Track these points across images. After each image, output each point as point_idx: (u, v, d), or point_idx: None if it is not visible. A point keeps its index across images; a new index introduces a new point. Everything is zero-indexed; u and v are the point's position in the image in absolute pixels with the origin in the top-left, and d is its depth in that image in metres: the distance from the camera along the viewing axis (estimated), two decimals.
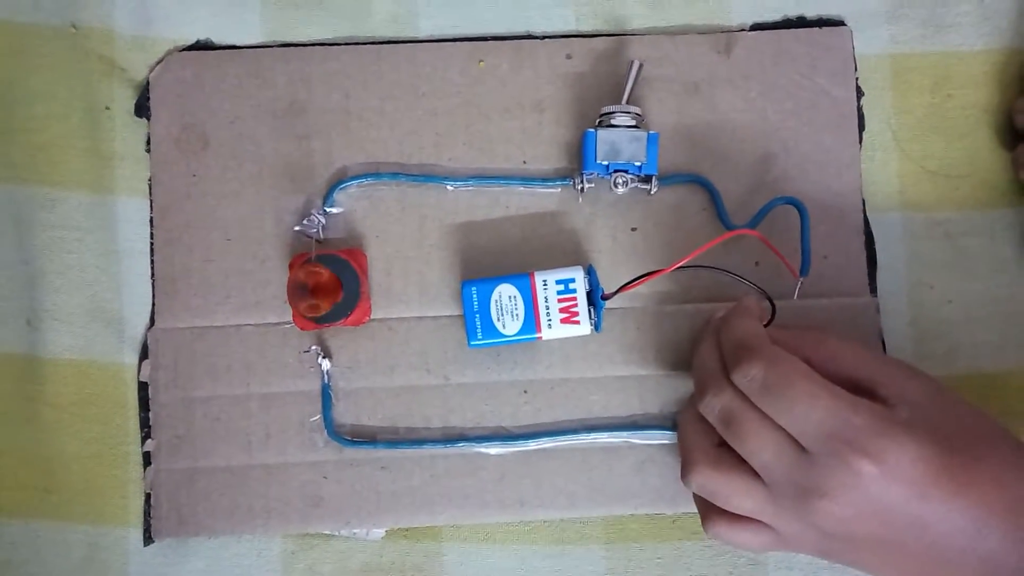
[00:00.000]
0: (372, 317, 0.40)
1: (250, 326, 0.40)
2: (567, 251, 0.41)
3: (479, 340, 0.38)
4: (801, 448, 0.31)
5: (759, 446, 0.32)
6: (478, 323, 0.38)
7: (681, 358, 0.42)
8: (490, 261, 0.40)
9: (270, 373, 0.40)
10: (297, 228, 0.41)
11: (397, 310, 0.41)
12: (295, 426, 0.40)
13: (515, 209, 0.41)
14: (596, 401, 0.41)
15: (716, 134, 0.42)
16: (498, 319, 0.38)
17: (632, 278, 0.38)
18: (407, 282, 0.41)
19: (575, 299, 0.39)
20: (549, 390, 0.41)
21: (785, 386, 0.31)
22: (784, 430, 0.32)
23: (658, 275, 0.37)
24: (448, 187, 0.41)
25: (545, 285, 0.39)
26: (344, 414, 0.40)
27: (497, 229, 0.41)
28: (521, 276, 0.38)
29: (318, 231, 0.41)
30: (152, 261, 0.41)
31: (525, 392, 0.40)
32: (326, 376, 0.41)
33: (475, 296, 0.38)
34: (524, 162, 0.42)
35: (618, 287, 0.39)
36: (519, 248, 0.41)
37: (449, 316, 0.40)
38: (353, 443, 0.40)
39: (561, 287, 0.39)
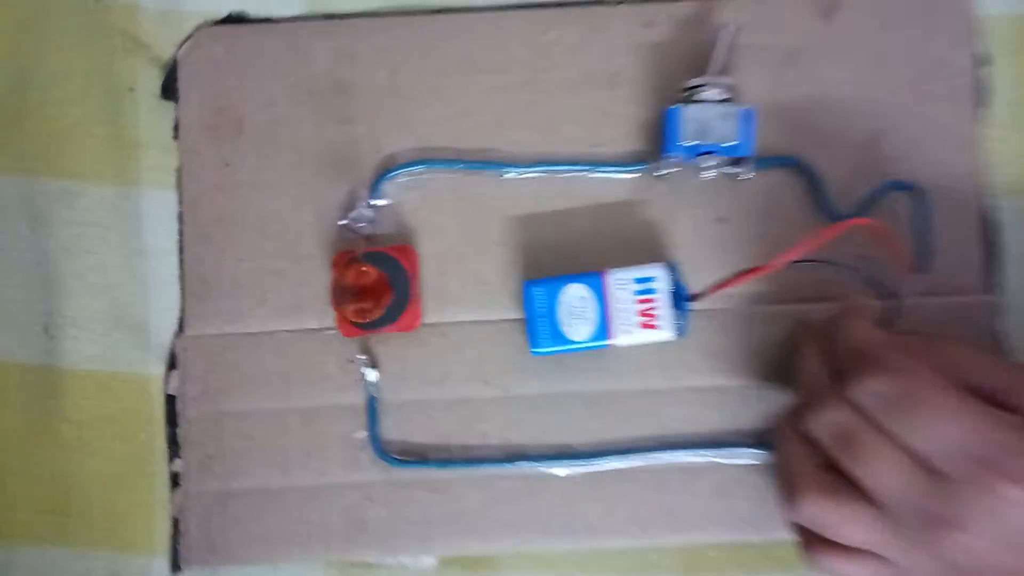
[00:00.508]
0: (424, 322, 0.37)
1: (287, 332, 0.37)
2: (643, 246, 0.37)
3: (543, 347, 0.34)
4: (931, 471, 0.27)
5: (881, 469, 0.28)
6: (543, 328, 0.34)
7: (773, 367, 0.37)
8: (555, 258, 0.37)
9: (310, 385, 0.37)
10: (342, 222, 0.37)
11: (451, 313, 0.37)
12: (338, 443, 0.37)
13: (584, 199, 0.37)
14: (674, 415, 0.37)
15: (816, 110, 0.37)
16: (566, 323, 0.34)
17: (729, 275, 0.34)
18: (463, 282, 0.37)
19: (655, 300, 0.34)
20: (621, 403, 0.37)
21: (916, 401, 0.27)
22: (910, 450, 0.27)
23: (761, 272, 0.33)
24: (508, 175, 0.37)
25: (621, 285, 0.34)
26: (392, 430, 0.37)
27: (564, 221, 0.37)
28: (592, 275, 0.34)
29: (366, 225, 0.37)
30: (180, 261, 0.38)
31: (594, 405, 0.37)
32: (372, 388, 0.37)
33: (540, 298, 0.34)
34: (595, 145, 0.38)
35: (710, 286, 0.34)
36: (589, 243, 0.37)
37: (509, 320, 0.37)
38: (402, 462, 0.37)
39: (639, 287, 0.34)
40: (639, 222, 0.38)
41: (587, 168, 0.37)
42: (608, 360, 0.37)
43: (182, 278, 0.38)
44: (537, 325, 0.34)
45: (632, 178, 0.38)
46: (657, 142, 0.38)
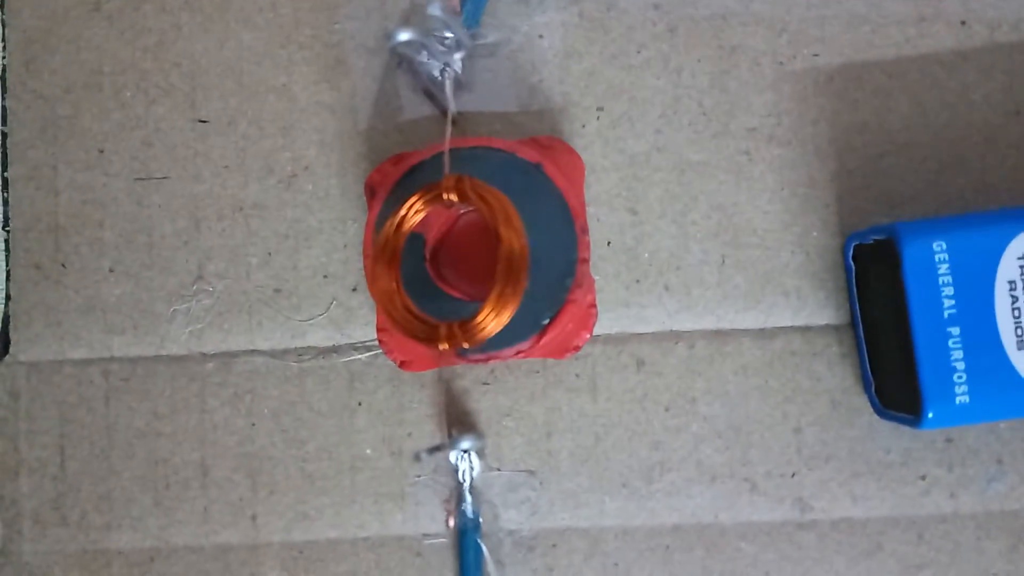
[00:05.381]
0: (597, 332, 0.18)
1: (260, 355, 0.18)
2: None
3: (949, 414, 0.15)
4: None
5: None
6: (950, 359, 0.15)
7: None
8: (914, 169, 0.18)
9: (326, 486, 0.18)
10: (394, 43, 0.16)
11: (653, 314, 0.18)
12: None
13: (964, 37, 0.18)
14: None
15: None
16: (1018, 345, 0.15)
17: None
18: (679, 236, 0.18)
19: None
20: None
21: None
22: None
23: None
24: None
25: None
26: None
27: (910, 92, 0.18)
28: None
29: (446, 81, 0.16)
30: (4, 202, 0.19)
31: None
32: (468, 504, 0.17)
33: (926, 268, 0.15)
34: None
35: None
36: (989, 139, 0.17)
37: (782, 328, 0.18)
38: None
39: None
40: None
41: None
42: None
43: (8, 246, 0.18)
44: (931, 352, 0.15)
45: None
46: None
